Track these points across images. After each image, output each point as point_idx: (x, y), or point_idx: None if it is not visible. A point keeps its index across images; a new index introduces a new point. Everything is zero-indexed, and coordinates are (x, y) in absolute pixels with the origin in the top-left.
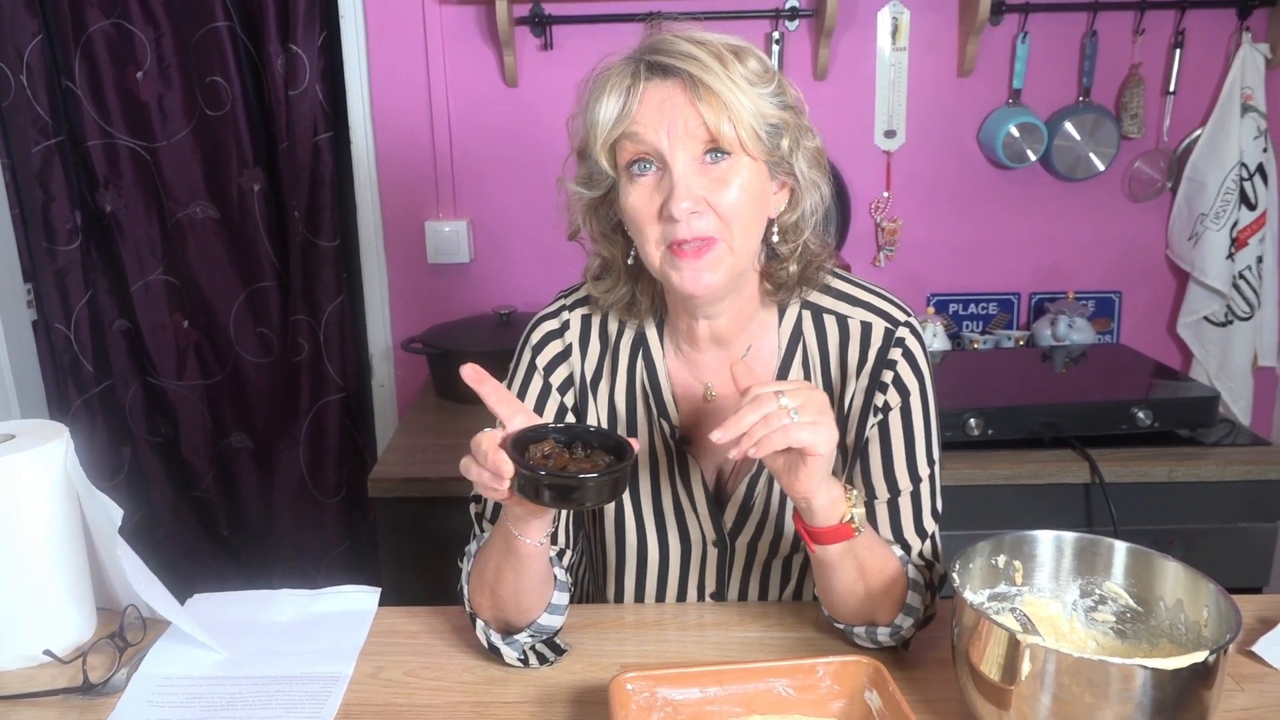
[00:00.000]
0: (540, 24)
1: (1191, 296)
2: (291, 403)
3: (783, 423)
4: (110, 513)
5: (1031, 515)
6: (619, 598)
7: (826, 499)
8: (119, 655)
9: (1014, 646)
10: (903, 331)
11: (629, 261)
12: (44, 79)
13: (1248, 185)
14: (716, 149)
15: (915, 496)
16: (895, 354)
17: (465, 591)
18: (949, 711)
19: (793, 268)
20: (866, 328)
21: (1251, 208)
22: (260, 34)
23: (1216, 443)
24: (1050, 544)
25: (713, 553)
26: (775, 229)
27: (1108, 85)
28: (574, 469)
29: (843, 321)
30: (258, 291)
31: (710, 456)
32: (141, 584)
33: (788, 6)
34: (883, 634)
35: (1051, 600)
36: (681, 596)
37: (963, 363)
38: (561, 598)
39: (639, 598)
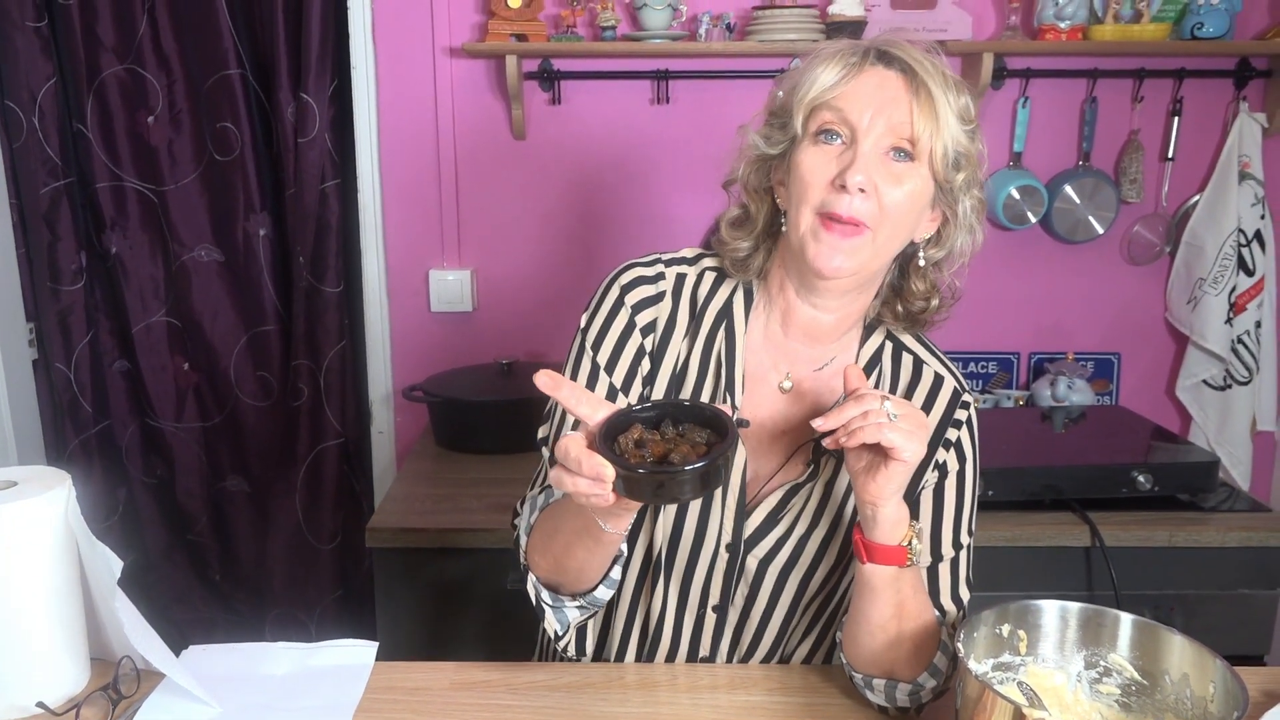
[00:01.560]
0: (549, 79)
1: (1190, 360)
2: (289, 447)
3: (880, 420)
4: (110, 563)
5: (1032, 578)
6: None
7: (894, 514)
8: (113, 708)
9: (1020, 719)
10: (968, 398)
11: (771, 223)
12: (56, 121)
13: (1245, 251)
14: (904, 150)
15: (955, 564)
16: (961, 416)
17: (522, 543)
18: None
19: (934, 302)
20: (939, 380)
21: (1250, 273)
22: (272, 81)
23: (1216, 508)
24: (1055, 614)
25: (723, 559)
26: (923, 256)
27: (1107, 150)
28: (675, 457)
29: (918, 365)
30: (260, 335)
31: (759, 449)
32: (138, 636)
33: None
34: (902, 692)
35: (1056, 671)
36: (682, 602)
37: None
38: (617, 570)
39: (635, 595)
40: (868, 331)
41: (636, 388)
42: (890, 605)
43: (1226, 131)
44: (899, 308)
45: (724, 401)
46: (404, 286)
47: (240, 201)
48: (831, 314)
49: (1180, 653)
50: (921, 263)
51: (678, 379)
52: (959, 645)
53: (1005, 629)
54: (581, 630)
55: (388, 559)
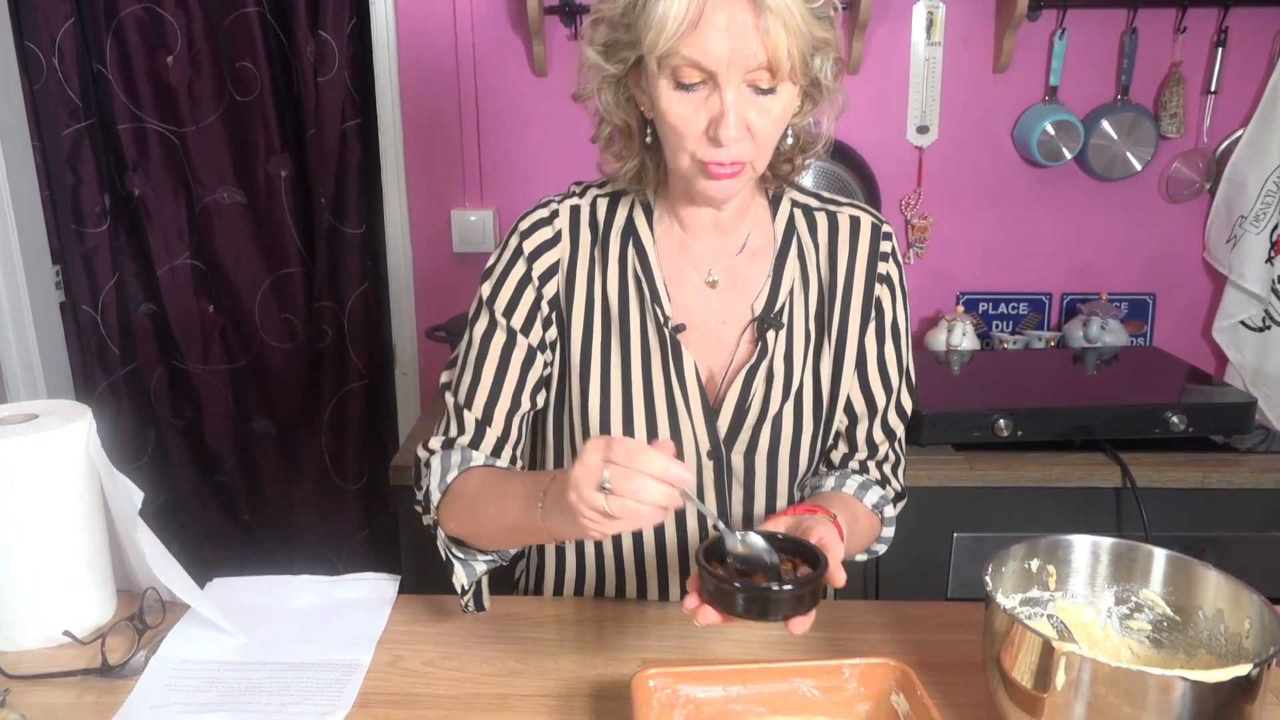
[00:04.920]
0: (570, 13)
1: (1228, 300)
2: (314, 389)
3: None
4: (131, 495)
5: (1060, 519)
6: None
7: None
8: (138, 638)
9: (1048, 654)
10: (887, 228)
11: (646, 137)
12: (75, 62)
13: None
14: (767, 86)
15: (899, 388)
16: (886, 248)
17: (434, 500)
18: (978, 716)
19: (798, 160)
20: (856, 221)
21: None
22: (290, 20)
23: (1251, 450)
24: (1086, 549)
25: (708, 467)
26: (790, 134)
27: (1147, 84)
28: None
29: (833, 217)
30: (283, 278)
31: (704, 349)
32: (161, 567)
33: None
34: (875, 548)
35: (1085, 607)
36: (681, 526)
37: (992, 363)
38: None
39: (625, 536)
40: (774, 204)
41: (538, 330)
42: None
43: (1273, 63)
44: (785, 171)
45: (655, 314)
46: (426, 227)
47: (261, 143)
48: (727, 210)
49: (1215, 588)
50: (789, 140)
51: (606, 310)
52: (986, 579)
53: (1034, 564)
54: (479, 585)
55: (412, 497)
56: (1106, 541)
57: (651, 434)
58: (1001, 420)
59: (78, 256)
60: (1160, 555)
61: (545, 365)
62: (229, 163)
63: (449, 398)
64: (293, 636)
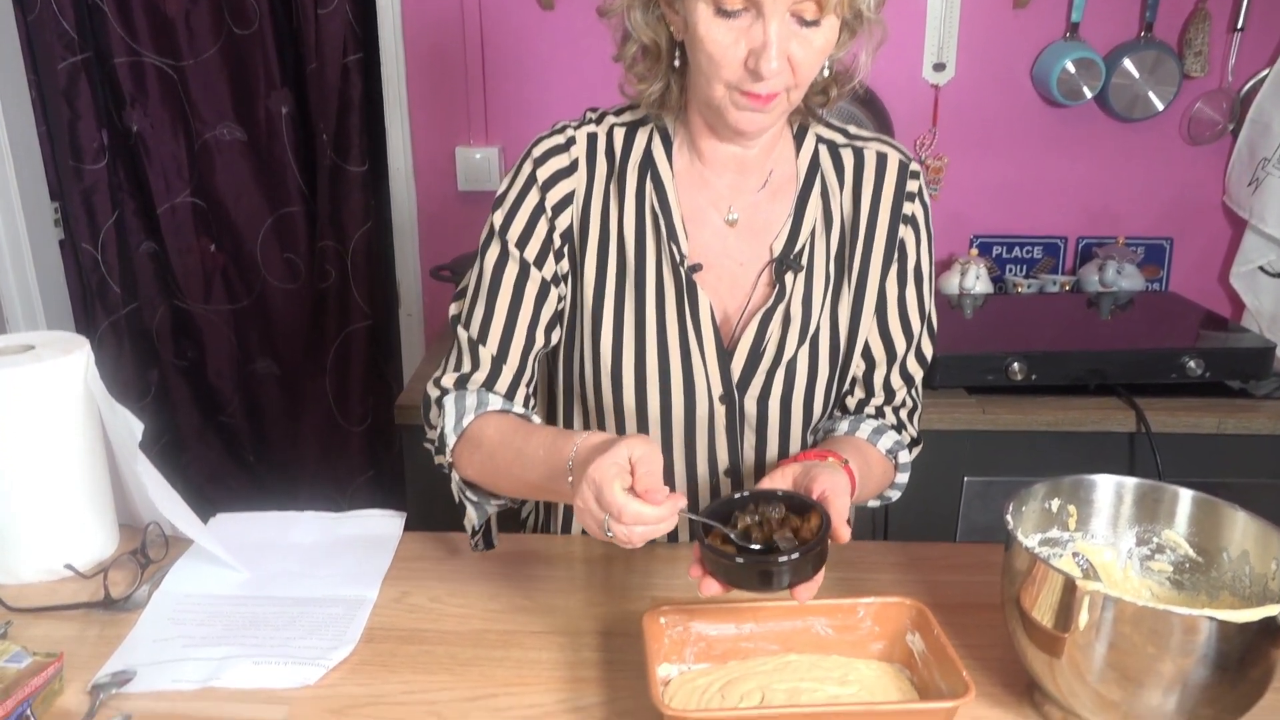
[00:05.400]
0: None
1: (1248, 245)
2: (318, 330)
3: None
4: (131, 427)
5: (1073, 464)
6: None
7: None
8: (141, 572)
9: (1070, 593)
10: (915, 166)
11: (674, 60)
12: None
13: None
14: (811, 18)
15: (920, 334)
16: (913, 187)
17: (448, 442)
18: (993, 658)
19: (832, 93)
20: (883, 158)
21: None
22: None
23: (1268, 395)
24: (1110, 489)
25: (720, 411)
26: (826, 66)
27: (1171, 20)
28: (781, 543)
29: (859, 153)
30: (285, 217)
31: (720, 290)
32: (163, 500)
33: None
34: (889, 494)
35: (1106, 548)
36: (691, 471)
37: (1005, 307)
38: None
39: None
40: (798, 138)
41: (551, 263)
42: (860, 499)
43: None
44: (819, 102)
45: (671, 252)
46: (430, 165)
47: (260, 77)
48: (754, 147)
49: (1242, 529)
50: (826, 72)
51: (621, 245)
52: (1007, 518)
53: (1055, 504)
54: (488, 523)
55: (416, 437)
56: (1131, 481)
57: (665, 377)
58: (1015, 363)
59: (76, 193)
60: (1186, 496)
61: (559, 300)
62: (228, 98)
63: (461, 332)
64: (297, 572)
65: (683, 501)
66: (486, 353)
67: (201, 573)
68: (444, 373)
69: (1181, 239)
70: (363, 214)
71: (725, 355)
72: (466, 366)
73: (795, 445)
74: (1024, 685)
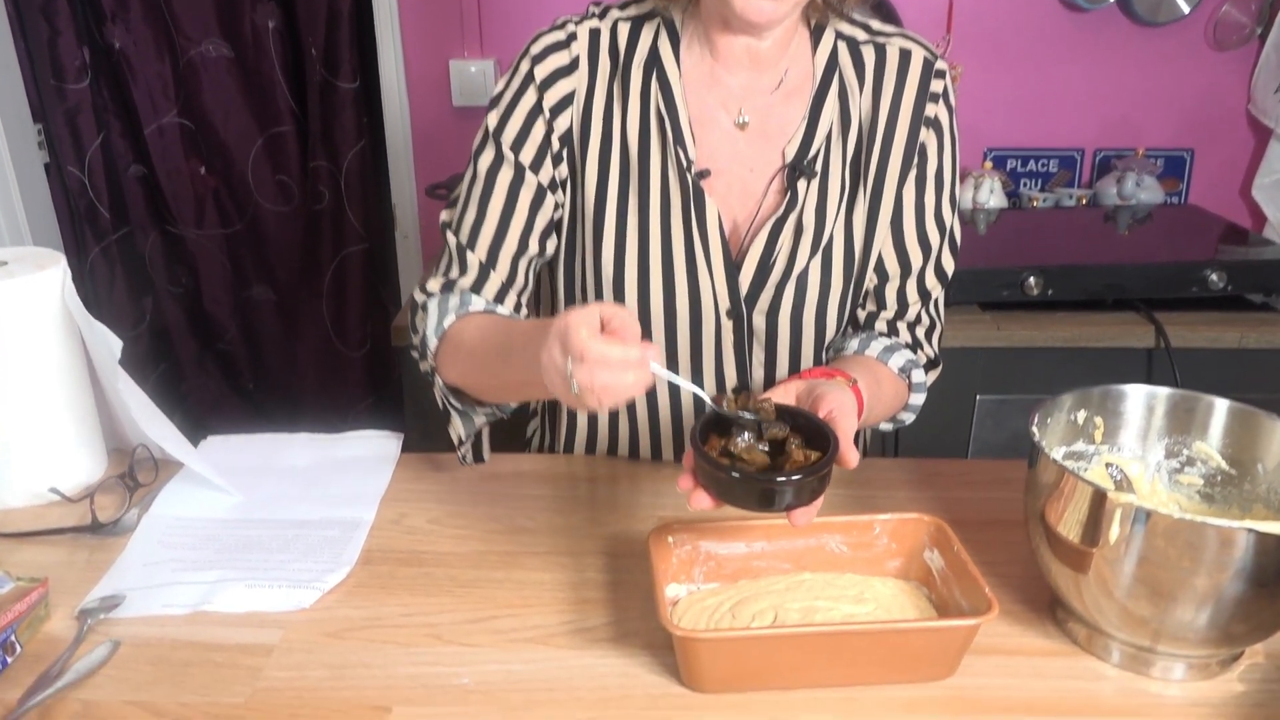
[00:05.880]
0: None
1: (1272, 155)
2: (313, 254)
3: None
4: (110, 344)
5: (1089, 381)
6: None
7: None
8: (129, 495)
9: (1099, 506)
10: (941, 65)
11: None
12: None
13: None
14: None
15: (940, 248)
16: (937, 88)
17: (429, 345)
18: (1013, 575)
19: None
20: (906, 55)
21: None
22: None
23: None
24: (1140, 399)
25: (728, 327)
26: None
27: None
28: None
29: (881, 50)
30: (276, 136)
31: (729, 198)
32: (147, 421)
33: None
34: (903, 417)
35: (1133, 461)
36: (699, 382)
37: (1020, 221)
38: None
39: (640, 399)
40: (816, 35)
41: (548, 168)
42: (870, 421)
43: None
44: (818, 3)
45: (677, 156)
46: (424, 80)
47: None
48: (768, 39)
49: None
50: None
51: (625, 150)
52: (1033, 430)
53: (1081, 415)
54: (478, 436)
55: (415, 360)
56: (1163, 391)
57: (669, 289)
58: (1031, 278)
59: (60, 114)
60: (1221, 406)
61: (556, 207)
62: (212, 13)
63: (450, 237)
64: (292, 494)
65: (655, 351)
66: (475, 258)
67: (192, 496)
68: (430, 279)
69: (1202, 150)
70: (355, 132)
71: (733, 267)
72: (454, 272)
73: (807, 363)
74: (1045, 602)
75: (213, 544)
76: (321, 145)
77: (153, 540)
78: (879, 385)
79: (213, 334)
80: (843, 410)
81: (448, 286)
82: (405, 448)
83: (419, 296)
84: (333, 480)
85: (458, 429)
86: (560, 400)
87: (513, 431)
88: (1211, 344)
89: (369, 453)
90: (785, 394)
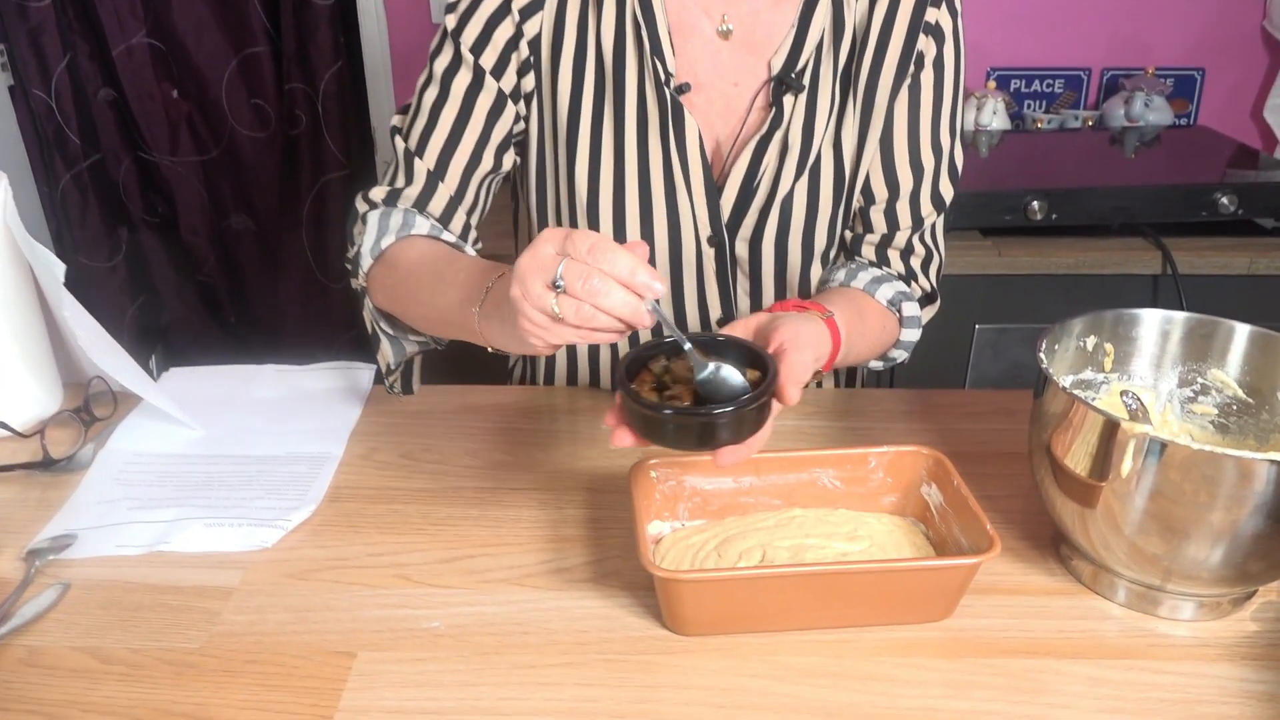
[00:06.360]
0: None
1: None
2: (292, 181)
3: None
4: (53, 268)
5: (1092, 309)
6: None
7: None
8: (84, 430)
9: (1111, 437)
10: None
11: None
12: None
13: None
14: None
15: (936, 171)
16: None
17: (363, 264)
18: (1014, 510)
19: None
20: None
21: None
22: None
23: None
24: (1155, 324)
25: (709, 255)
26: None
27: None
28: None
29: None
30: (249, 58)
31: (710, 114)
32: (98, 350)
33: None
34: (894, 354)
35: (1144, 390)
36: (679, 322)
37: (1024, 144)
38: None
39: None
40: None
41: (512, 75)
42: (853, 360)
43: None
44: None
45: (655, 67)
46: None
47: None
48: None
49: None
50: None
51: (600, 62)
52: (1040, 357)
53: (1091, 341)
54: (409, 365)
55: None
56: (1179, 316)
57: (646, 213)
58: (1035, 202)
59: (22, 34)
60: (1242, 331)
61: (517, 119)
62: None
63: (399, 142)
64: (257, 429)
65: (660, 292)
66: (423, 166)
67: (152, 431)
68: (375, 186)
69: (1214, 70)
70: (332, 52)
71: (714, 190)
72: (400, 181)
73: (794, 294)
74: (1048, 538)
75: (171, 481)
76: (297, 66)
77: (108, 477)
78: (862, 319)
79: (192, 265)
80: (796, 342)
81: (392, 196)
82: (379, 379)
83: (360, 205)
84: (300, 414)
85: (386, 355)
86: (499, 345)
87: (499, 367)
88: (1220, 270)
89: (339, 385)
90: (744, 326)
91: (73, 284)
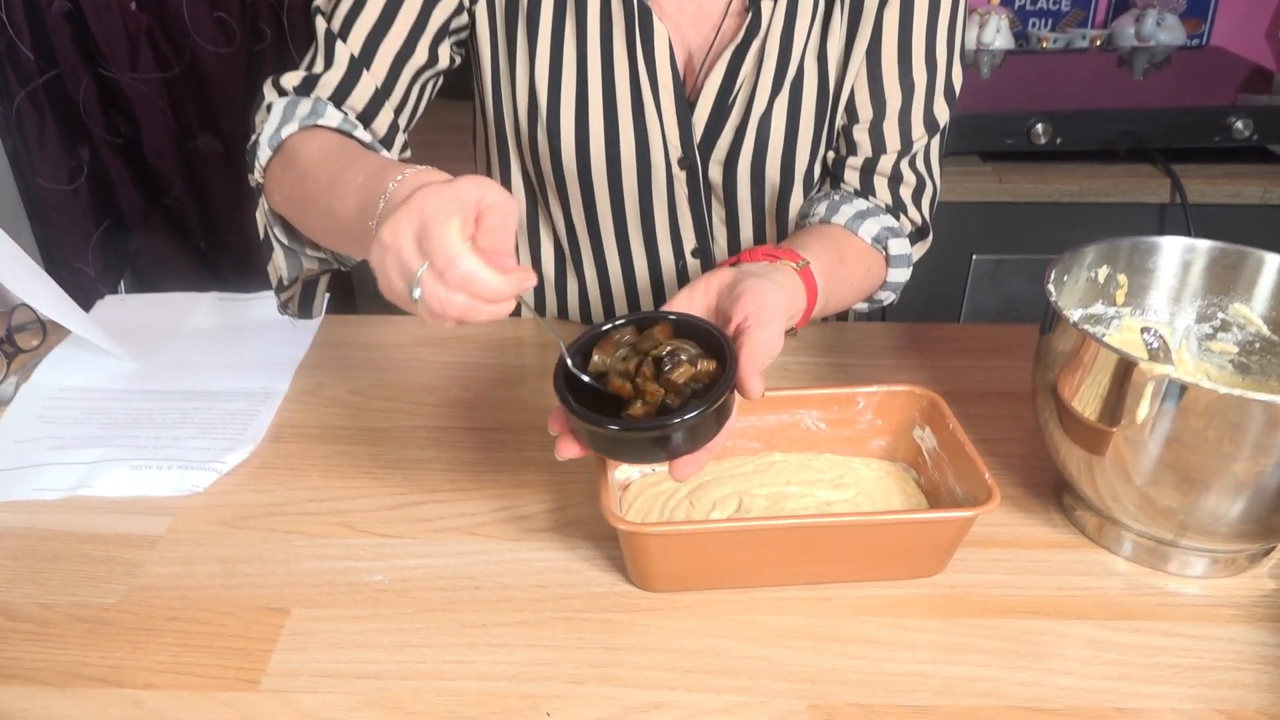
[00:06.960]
0: None
1: None
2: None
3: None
4: None
5: (1095, 239)
6: (558, 250)
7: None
8: (7, 363)
9: (1126, 378)
10: None
11: None
12: None
13: None
14: None
15: (930, 89)
16: None
17: (260, 156)
18: (1014, 455)
19: None
20: None
21: None
22: None
23: None
24: (1176, 254)
25: (681, 179)
26: None
27: None
28: (670, 386)
29: None
30: None
31: (681, 22)
32: (16, 273)
33: None
34: (880, 296)
35: (1161, 325)
36: (651, 252)
37: (1029, 64)
38: None
39: (588, 262)
40: None
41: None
42: (835, 305)
43: None
44: None
45: None
46: None
47: None
48: None
49: None
50: None
51: None
52: (1049, 289)
53: (1103, 272)
54: (311, 285)
55: None
56: (1202, 244)
57: (612, 135)
58: (1039, 125)
59: None
60: (1273, 262)
61: (459, 9)
62: None
63: (320, 23)
64: (195, 361)
65: (532, 279)
66: (346, 50)
67: (80, 363)
68: (289, 72)
69: None
70: None
71: (686, 107)
72: (319, 65)
73: (771, 222)
74: (1050, 487)
75: (97, 418)
76: None
77: (30, 414)
78: (843, 263)
79: (158, 188)
80: (761, 316)
81: (307, 84)
82: (341, 310)
83: (269, 93)
84: (243, 346)
85: (279, 268)
86: (382, 292)
87: None
88: (1232, 199)
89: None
90: (705, 290)
91: (33, 207)
